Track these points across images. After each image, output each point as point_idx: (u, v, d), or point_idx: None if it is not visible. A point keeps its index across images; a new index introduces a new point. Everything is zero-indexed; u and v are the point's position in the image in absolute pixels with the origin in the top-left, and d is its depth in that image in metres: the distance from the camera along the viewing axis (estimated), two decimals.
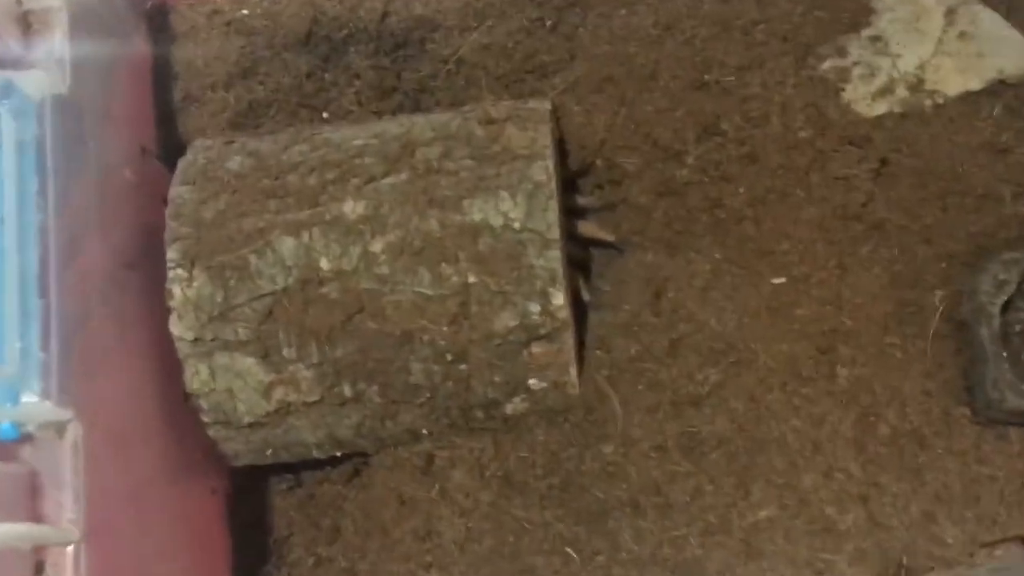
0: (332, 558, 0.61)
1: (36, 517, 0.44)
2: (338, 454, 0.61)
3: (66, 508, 0.44)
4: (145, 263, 0.59)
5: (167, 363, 0.58)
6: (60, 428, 0.45)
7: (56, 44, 0.52)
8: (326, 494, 0.63)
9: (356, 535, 0.60)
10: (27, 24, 0.51)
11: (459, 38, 0.68)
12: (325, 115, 0.67)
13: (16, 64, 0.50)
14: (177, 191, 0.58)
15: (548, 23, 0.66)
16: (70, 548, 0.43)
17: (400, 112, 0.67)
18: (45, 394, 0.45)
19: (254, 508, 0.65)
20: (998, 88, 0.63)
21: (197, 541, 0.60)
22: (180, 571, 0.56)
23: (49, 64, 0.51)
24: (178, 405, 0.59)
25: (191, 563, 0.58)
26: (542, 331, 0.55)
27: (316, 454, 0.61)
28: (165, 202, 0.59)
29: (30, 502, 0.44)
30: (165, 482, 0.57)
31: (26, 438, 0.45)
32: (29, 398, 0.44)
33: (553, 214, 0.54)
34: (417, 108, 0.68)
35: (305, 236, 0.56)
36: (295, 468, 0.65)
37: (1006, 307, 0.58)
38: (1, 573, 0.41)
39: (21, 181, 0.48)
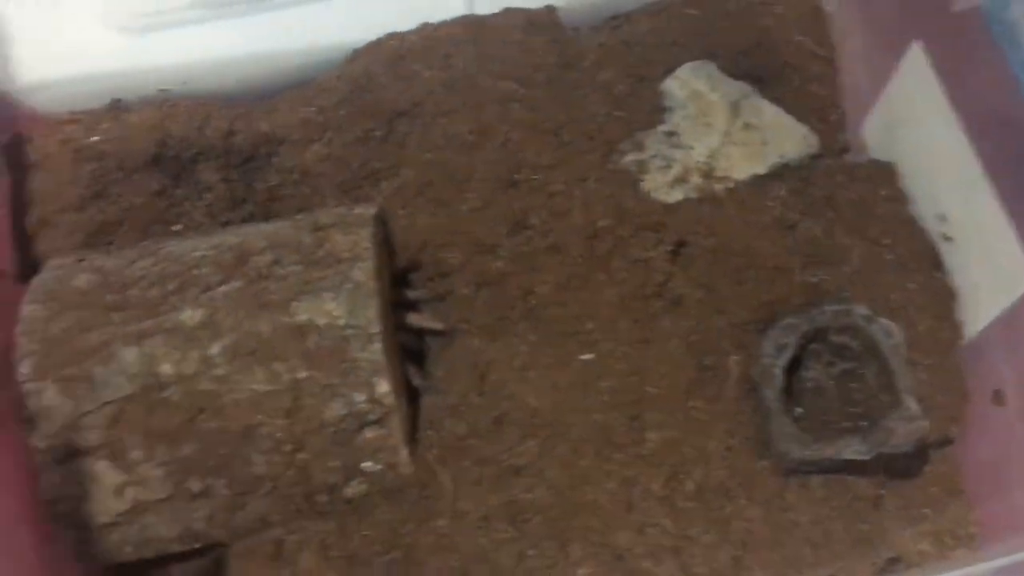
0: None
1: None
2: (197, 546, 0.64)
3: None
4: (6, 380, 0.62)
5: (30, 474, 0.61)
6: None
7: None
8: None
9: None
10: None
11: (302, 150, 0.74)
12: (176, 228, 0.72)
13: None
14: (28, 309, 0.62)
15: (379, 133, 0.72)
16: None
17: (251, 220, 0.72)
18: None
19: None
20: (783, 171, 0.70)
21: None
22: None
23: None
24: (44, 515, 0.62)
25: None
26: (371, 417, 0.59)
27: (176, 548, 0.64)
28: None
29: None
30: None
31: None
32: None
33: (373, 311, 0.59)
34: (267, 215, 0.73)
35: (146, 345, 0.60)
36: (161, 563, 0.67)
37: (796, 366, 0.64)
38: None
39: None
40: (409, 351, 0.66)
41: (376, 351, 0.59)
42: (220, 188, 0.73)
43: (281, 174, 0.74)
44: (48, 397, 0.60)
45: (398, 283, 0.67)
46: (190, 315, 0.61)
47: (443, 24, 0.73)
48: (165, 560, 0.67)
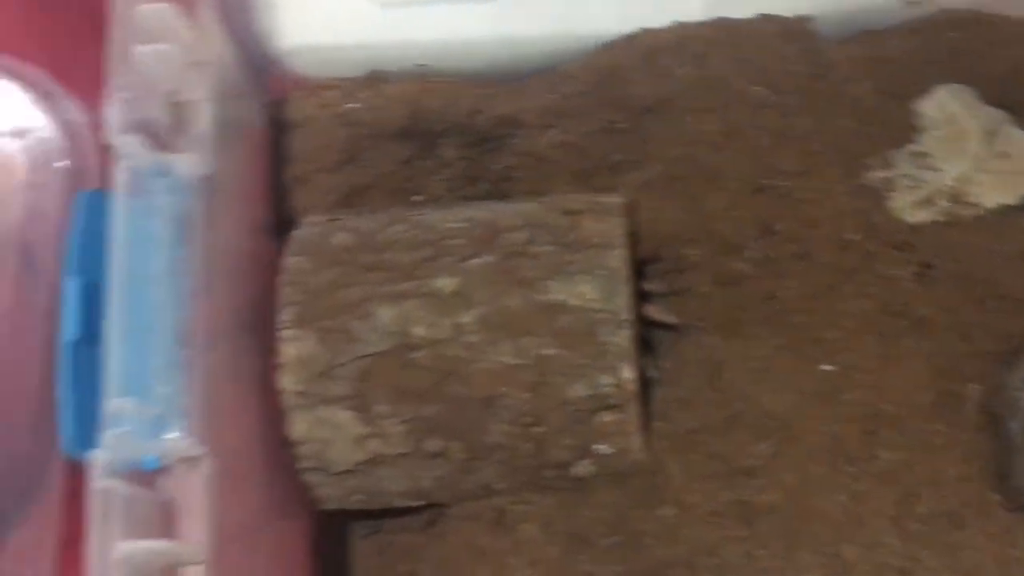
0: None
1: (169, 539, 0.50)
2: (420, 504, 0.66)
3: (196, 533, 0.51)
4: (257, 324, 0.66)
5: (271, 413, 0.64)
6: (195, 462, 0.52)
7: (203, 131, 0.60)
8: (404, 541, 0.69)
9: None
10: (180, 114, 0.60)
11: (539, 134, 0.76)
12: (417, 198, 0.75)
13: (172, 148, 0.58)
14: (290, 261, 0.66)
15: (623, 126, 0.73)
16: (199, 568, 0.50)
17: (486, 198, 0.74)
18: (185, 432, 0.51)
19: (337, 552, 0.70)
20: None
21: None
22: None
23: (198, 148, 0.59)
24: (279, 452, 0.66)
25: None
26: (611, 401, 0.61)
27: (398, 502, 0.66)
28: (276, 271, 0.66)
29: (165, 526, 0.51)
30: (265, 520, 0.63)
31: (164, 470, 0.52)
32: (171, 435, 0.51)
33: (624, 298, 0.61)
34: (500, 195, 0.75)
35: (402, 306, 0.63)
36: (375, 516, 0.70)
37: None
38: None
39: (171, 249, 0.56)
40: (643, 341, 0.67)
41: (625, 337, 0.60)
42: (459, 165, 0.76)
43: (516, 157, 0.76)
44: (307, 345, 0.63)
45: (637, 273, 0.68)
46: (445, 283, 0.63)
47: (698, 24, 0.73)
48: (378, 513, 0.70)
